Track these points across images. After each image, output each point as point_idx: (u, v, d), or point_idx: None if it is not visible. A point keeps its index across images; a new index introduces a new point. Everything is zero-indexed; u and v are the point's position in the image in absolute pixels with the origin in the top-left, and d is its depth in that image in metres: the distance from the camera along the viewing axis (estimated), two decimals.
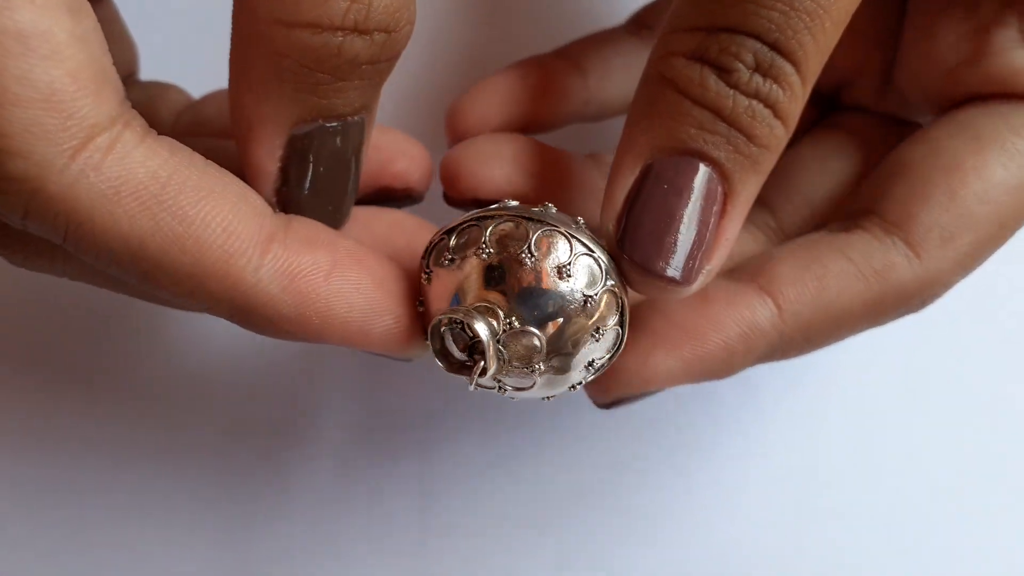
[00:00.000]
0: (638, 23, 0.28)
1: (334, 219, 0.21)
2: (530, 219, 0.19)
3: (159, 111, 0.25)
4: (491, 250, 0.19)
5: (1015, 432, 0.31)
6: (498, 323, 0.18)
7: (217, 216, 0.17)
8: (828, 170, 0.25)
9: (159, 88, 0.26)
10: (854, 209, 0.23)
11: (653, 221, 0.19)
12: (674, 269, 0.19)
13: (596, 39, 0.27)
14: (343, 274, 0.19)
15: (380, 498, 0.30)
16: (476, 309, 0.18)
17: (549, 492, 0.30)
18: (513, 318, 0.18)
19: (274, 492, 0.30)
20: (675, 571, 0.30)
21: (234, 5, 0.18)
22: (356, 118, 0.19)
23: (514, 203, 0.20)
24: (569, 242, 0.19)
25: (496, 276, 0.19)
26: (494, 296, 0.19)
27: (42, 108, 0.16)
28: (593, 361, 0.19)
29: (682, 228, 0.19)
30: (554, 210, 0.20)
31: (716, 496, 0.30)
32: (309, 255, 0.18)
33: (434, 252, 0.20)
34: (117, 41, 0.25)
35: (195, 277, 0.17)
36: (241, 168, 0.20)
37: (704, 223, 0.19)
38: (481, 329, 0.18)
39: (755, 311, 0.21)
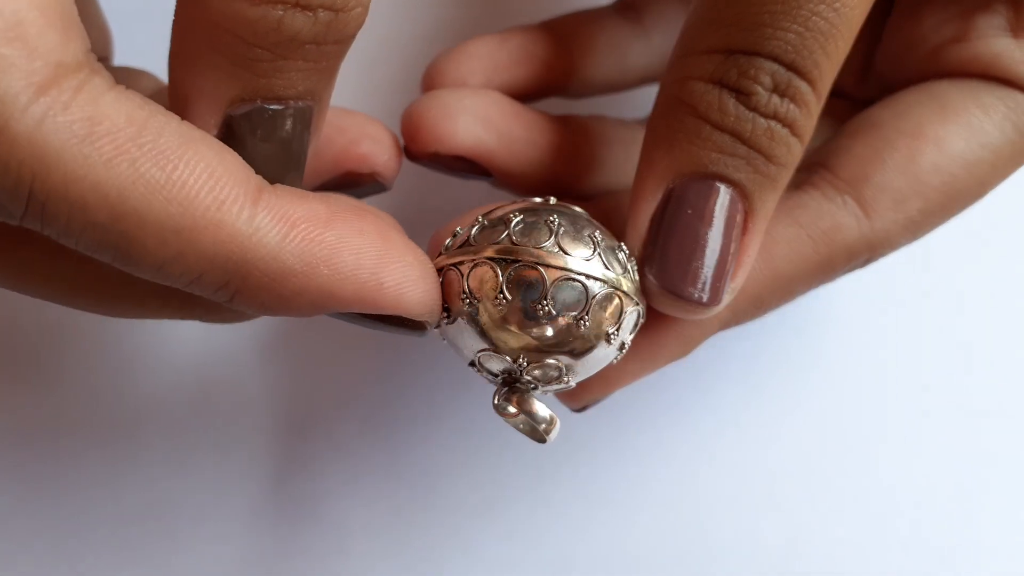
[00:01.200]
0: (625, 5, 0.27)
1: None
2: (503, 260, 0.18)
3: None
4: (503, 297, 0.18)
5: (1010, 415, 0.31)
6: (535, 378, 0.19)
7: (201, 162, 0.16)
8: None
9: (130, 73, 0.25)
10: (809, 161, 0.23)
11: (680, 247, 0.19)
12: (702, 292, 0.19)
13: (583, 16, 0.27)
14: (344, 220, 0.17)
15: (380, 491, 0.30)
16: (535, 374, 0.19)
17: (551, 486, 0.30)
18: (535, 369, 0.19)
19: (275, 487, 0.30)
20: (685, 564, 0.30)
21: None
22: (301, 104, 0.18)
23: (468, 224, 0.19)
24: (541, 274, 0.18)
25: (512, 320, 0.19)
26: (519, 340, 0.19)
27: (5, 38, 0.14)
28: (623, 345, 0.20)
29: (708, 252, 0.19)
30: (518, 216, 0.19)
31: (707, 477, 0.31)
32: (303, 204, 0.17)
33: (444, 286, 0.19)
34: (91, 24, 0.25)
35: (184, 232, 0.15)
36: None
37: (727, 244, 0.19)
38: (538, 406, 0.19)
39: None
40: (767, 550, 0.30)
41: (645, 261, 0.19)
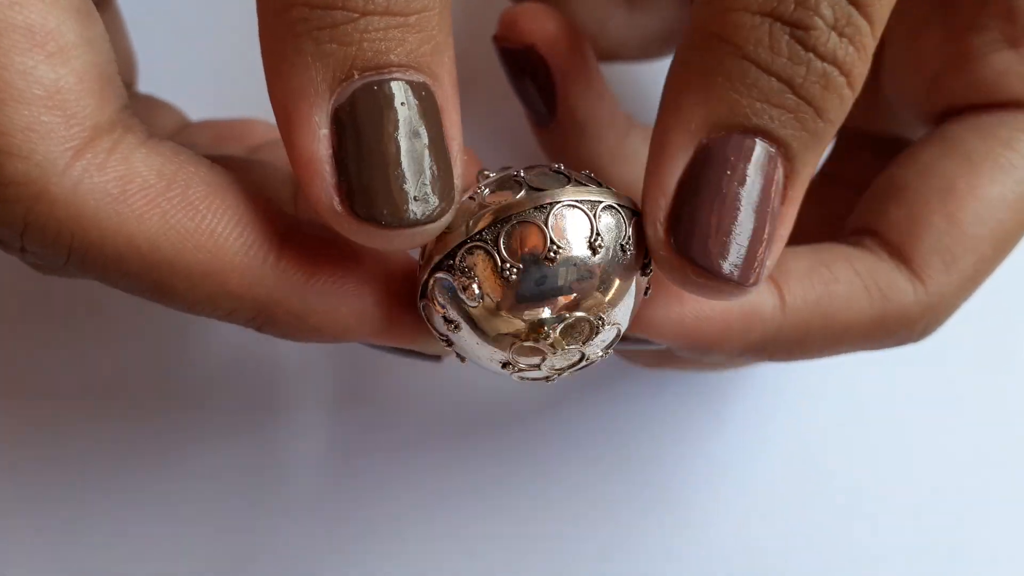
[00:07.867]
0: None
1: (433, 214, 0.16)
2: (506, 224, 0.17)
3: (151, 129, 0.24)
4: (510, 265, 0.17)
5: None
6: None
7: (229, 210, 0.17)
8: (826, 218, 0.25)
9: (153, 105, 0.26)
10: (855, 227, 0.23)
11: (717, 215, 0.16)
12: (738, 268, 0.16)
13: None
14: (367, 263, 0.18)
15: (382, 493, 0.30)
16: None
17: (551, 487, 0.30)
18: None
19: (274, 485, 0.30)
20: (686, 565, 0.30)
21: None
22: (410, 75, 0.16)
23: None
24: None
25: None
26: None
27: (45, 106, 0.15)
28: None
29: (746, 222, 0.16)
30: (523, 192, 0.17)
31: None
32: (328, 249, 0.18)
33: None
34: (117, 51, 0.25)
35: (213, 276, 0.17)
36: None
37: (765, 213, 0.17)
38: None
39: (760, 296, 0.20)
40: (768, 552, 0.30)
41: (670, 233, 0.16)
